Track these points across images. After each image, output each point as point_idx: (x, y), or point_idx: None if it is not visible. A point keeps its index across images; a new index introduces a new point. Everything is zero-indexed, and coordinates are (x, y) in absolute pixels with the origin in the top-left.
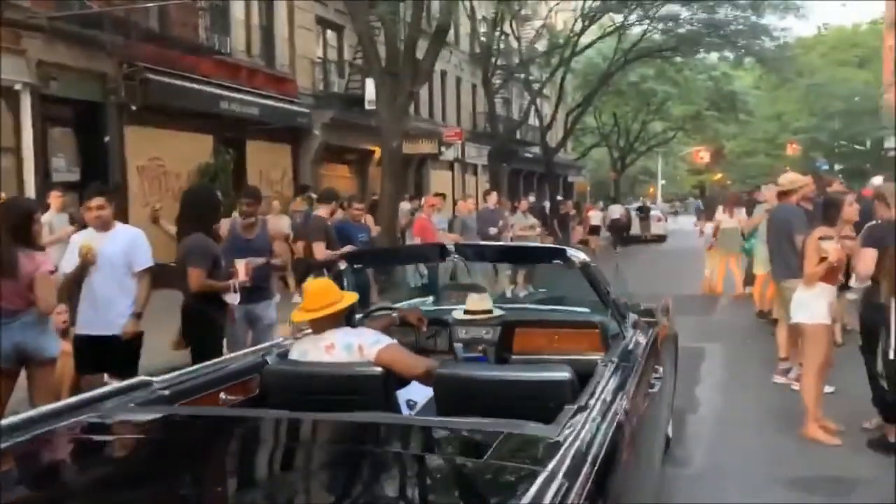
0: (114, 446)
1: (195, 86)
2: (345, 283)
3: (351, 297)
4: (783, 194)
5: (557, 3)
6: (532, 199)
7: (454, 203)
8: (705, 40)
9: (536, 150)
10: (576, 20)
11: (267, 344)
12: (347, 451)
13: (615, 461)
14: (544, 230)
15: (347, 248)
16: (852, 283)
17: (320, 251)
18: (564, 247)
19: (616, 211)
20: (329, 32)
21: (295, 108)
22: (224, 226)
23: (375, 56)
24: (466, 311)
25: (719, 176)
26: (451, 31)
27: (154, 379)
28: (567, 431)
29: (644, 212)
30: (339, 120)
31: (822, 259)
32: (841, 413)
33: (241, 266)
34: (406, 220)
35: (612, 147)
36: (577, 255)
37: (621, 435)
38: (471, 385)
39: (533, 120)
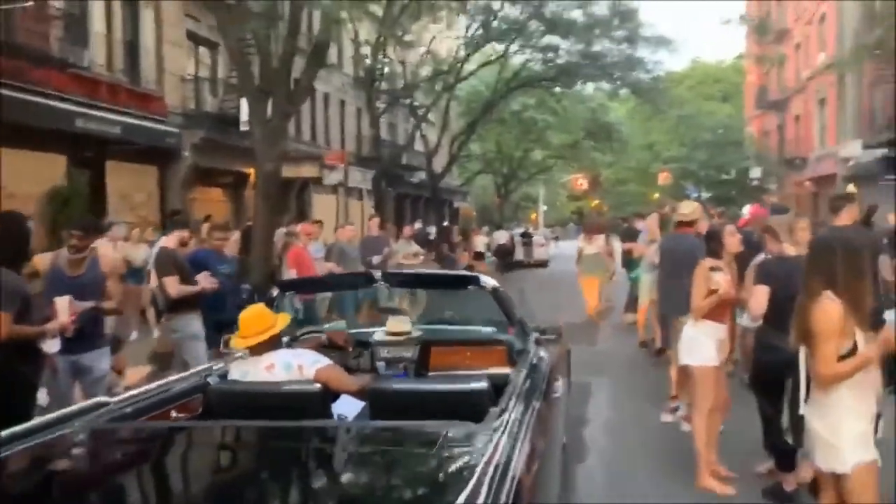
0: (105, 454)
1: (45, 101)
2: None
3: (284, 320)
4: (684, 224)
5: (441, 31)
6: (418, 225)
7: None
8: (583, 71)
9: (423, 175)
10: (458, 47)
11: (204, 366)
12: (316, 454)
13: (534, 449)
14: (429, 256)
15: (204, 280)
16: (744, 321)
17: (173, 286)
18: (477, 274)
19: (501, 236)
20: (202, 49)
21: (162, 127)
22: (43, 260)
23: (248, 74)
24: (387, 333)
25: (597, 202)
26: (335, 54)
27: (111, 400)
28: (495, 426)
29: (527, 237)
30: (212, 140)
31: (712, 292)
32: (732, 453)
33: (62, 305)
34: (282, 247)
35: (496, 173)
36: (489, 282)
37: (536, 429)
38: (404, 397)
39: (419, 145)
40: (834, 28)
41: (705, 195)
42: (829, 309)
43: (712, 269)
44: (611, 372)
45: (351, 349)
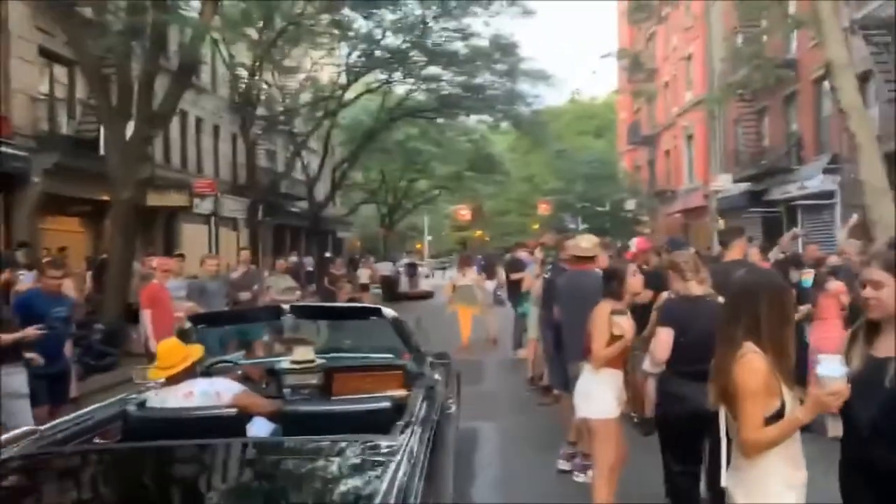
0: (45, 478)
1: None
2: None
3: (198, 351)
4: (583, 260)
5: (322, 57)
6: (294, 258)
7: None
8: (465, 103)
9: (305, 204)
10: (339, 73)
11: (118, 397)
12: (248, 467)
13: (435, 455)
14: (308, 290)
15: (32, 331)
16: (646, 366)
17: None
18: (378, 306)
19: (385, 268)
20: (57, 67)
21: (6, 150)
22: None
23: (104, 94)
24: (292, 362)
25: (479, 233)
26: (209, 77)
27: (40, 428)
28: (401, 438)
29: (412, 268)
30: (67, 166)
31: (616, 338)
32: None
33: None
34: (140, 282)
35: (381, 203)
36: (389, 312)
37: (436, 439)
38: (314, 417)
39: (300, 174)
40: (701, 67)
41: (582, 227)
42: (753, 363)
43: (614, 311)
44: (500, 415)
45: (263, 381)
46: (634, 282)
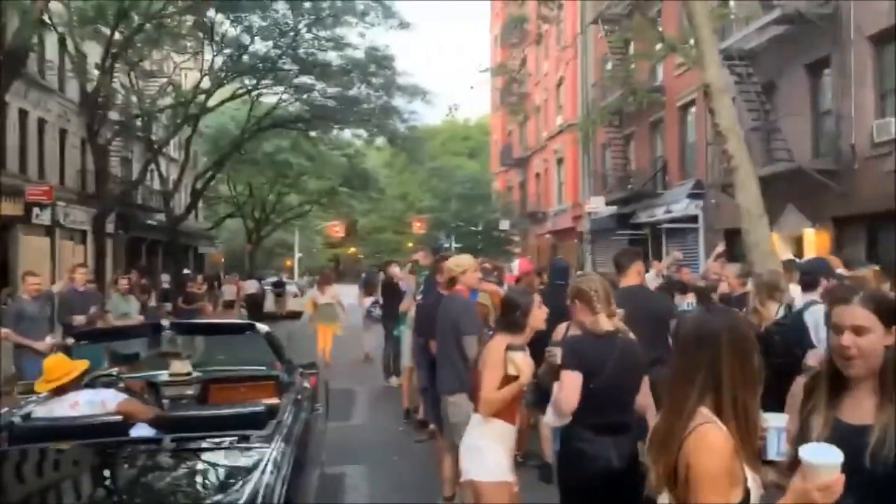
0: None
1: None
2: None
3: (83, 365)
4: (452, 281)
5: (185, 61)
6: (134, 276)
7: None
8: (339, 116)
9: (164, 216)
10: (202, 77)
11: (2, 410)
12: (138, 465)
13: (303, 446)
14: (163, 309)
15: None
16: (548, 419)
17: None
18: (252, 321)
19: (250, 286)
20: None
21: None
22: None
23: None
24: (170, 375)
25: (353, 250)
26: (56, 76)
27: None
28: (275, 431)
29: (280, 287)
30: None
31: (510, 379)
32: None
33: None
34: None
35: (248, 217)
36: (262, 327)
37: (305, 432)
38: (193, 420)
39: (159, 183)
40: (572, 92)
41: (455, 245)
42: (713, 439)
43: (511, 347)
44: (370, 457)
45: (143, 393)
46: (540, 315)
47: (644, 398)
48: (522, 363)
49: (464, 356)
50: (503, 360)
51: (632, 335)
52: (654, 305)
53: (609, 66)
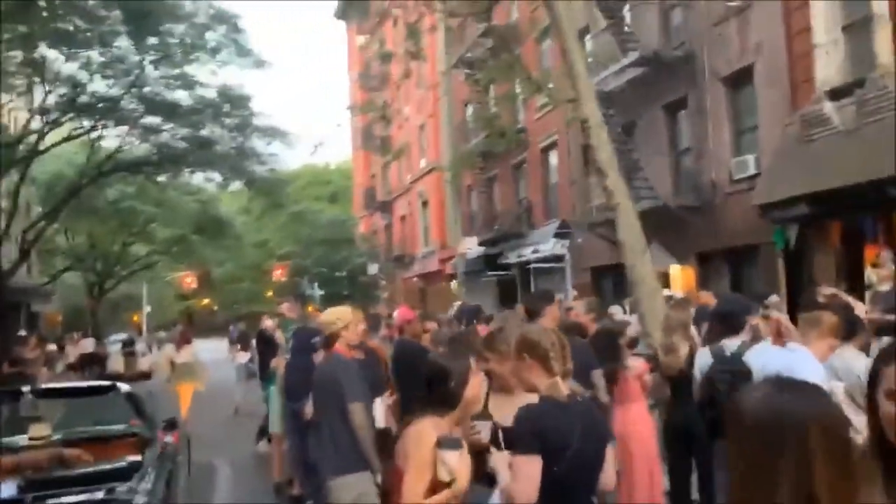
0: None
1: None
2: None
3: None
4: (331, 339)
5: (12, 100)
6: None
7: None
8: (191, 159)
9: None
10: (31, 117)
11: None
12: None
13: (164, 500)
14: None
15: None
16: None
17: None
18: (115, 382)
19: (87, 345)
20: None
21: None
22: None
23: None
24: (30, 438)
25: (207, 301)
26: None
27: None
28: (138, 485)
29: (128, 345)
30: None
31: (442, 484)
32: None
33: None
34: None
35: (89, 271)
36: (124, 387)
37: (166, 486)
38: (60, 478)
39: None
40: (434, 135)
41: (319, 292)
42: None
43: (442, 444)
44: None
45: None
46: (477, 384)
47: (608, 474)
48: (458, 464)
49: (350, 428)
50: (432, 459)
51: (586, 396)
52: (582, 358)
53: (470, 109)
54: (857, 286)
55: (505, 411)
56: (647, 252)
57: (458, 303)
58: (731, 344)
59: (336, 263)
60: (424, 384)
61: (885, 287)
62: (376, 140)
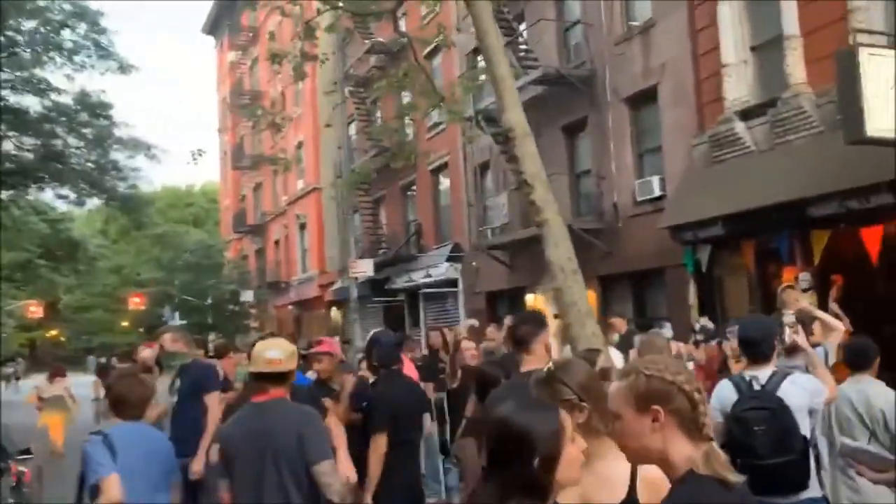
0: None
1: None
2: None
3: None
4: (274, 381)
5: None
6: None
7: None
8: (40, 173)
9: None
10: None
11: None
12: None
13: None
14: None
15: None
16: None
17: None
18: None
19: None
20: None
21: None
22: None
23: None
24: None
25: (54, 332)
26: None
27: None
28: None
29: None
30: None
31: None
32: None
33: None
34: None
35: None
36: None
37: None
38: None
39: None
40: (313, 155)
41: (181, 321)
42: None
43: None
44: None
45: None
46: (576, 458)
47: None
48: None
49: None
50: None
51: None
52: None
53: (353, 128)
54: (772, 308)
55: (594, 491)
56: (579, 273)
57: (376, 329)
58: (760, 374)
59: (202, 291)
60: (486, 455)
61: (788, 311)
62: (246, 161)
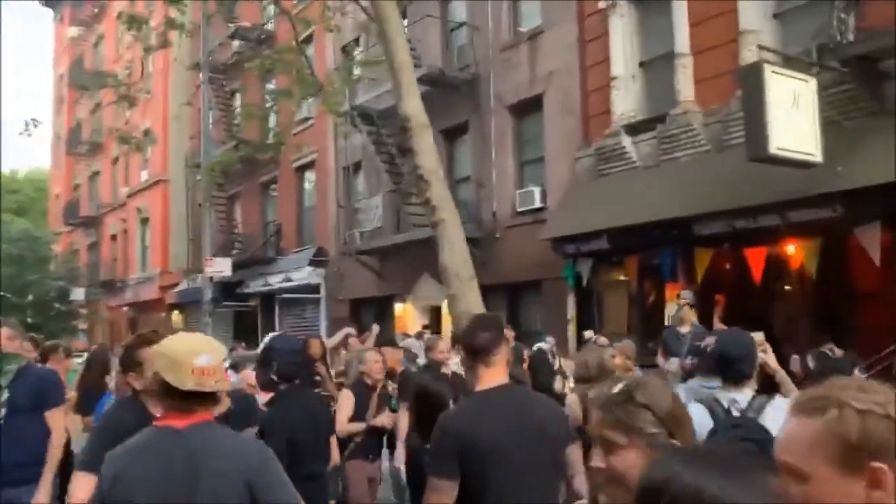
0: None
1: None
2: None
3: None
4: (201, 402)
5: None
6: None
7: None
8: None
9: None
10: None
11: None
12: None
13: None
14: None
15: None
16: None
17: None
18: None
19: None
20: None
21: None
22: None
23: None
24: None
25: None
26: None
27: None
28: None
29: None
30: None
31: None
32: None
33: None
34: None
35: None
36: None
37: None
38: None
39: None
40: (161, 145)
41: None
42: None
43: None
44: None
45: None
46: None
47: None
48: None
49: None
50: None
51: None
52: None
53: (210, 116)
54: (653, 323)
55: None
56: (475, 279)
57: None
58: (739, 398)
59: (24, 287)
60: None
61: (684, 328)
62: (84, 146)
